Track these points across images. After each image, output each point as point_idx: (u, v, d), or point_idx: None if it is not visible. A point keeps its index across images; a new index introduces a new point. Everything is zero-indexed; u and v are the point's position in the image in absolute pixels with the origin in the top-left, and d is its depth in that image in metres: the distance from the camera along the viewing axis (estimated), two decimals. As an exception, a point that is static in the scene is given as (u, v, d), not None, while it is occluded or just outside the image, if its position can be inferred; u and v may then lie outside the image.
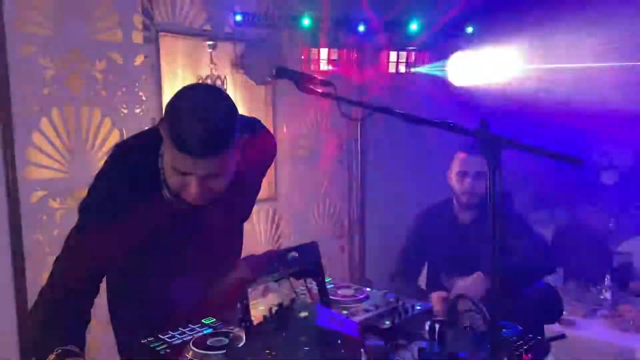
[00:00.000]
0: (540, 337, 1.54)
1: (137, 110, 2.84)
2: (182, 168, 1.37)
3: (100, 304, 1.58)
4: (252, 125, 1.62)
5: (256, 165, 1.64)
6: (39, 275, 2.47)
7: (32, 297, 2.45)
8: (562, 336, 1.65)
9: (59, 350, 1.34)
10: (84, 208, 1.50)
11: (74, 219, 1.53)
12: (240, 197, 1.60)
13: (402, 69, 3.74)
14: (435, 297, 2.24)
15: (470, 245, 2.32)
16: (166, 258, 1.54)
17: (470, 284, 2.19)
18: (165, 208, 1.49)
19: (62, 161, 2.63)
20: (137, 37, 2.87)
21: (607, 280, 3.17)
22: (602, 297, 3.16)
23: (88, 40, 2.67)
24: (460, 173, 2.46)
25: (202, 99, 1.39)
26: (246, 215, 1.80)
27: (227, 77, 3.25)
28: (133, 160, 1.51)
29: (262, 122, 1.77)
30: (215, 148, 1.34)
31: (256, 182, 1.73)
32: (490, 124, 1.25)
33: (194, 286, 1.53)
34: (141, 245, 1.51)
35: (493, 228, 1.25)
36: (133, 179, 1.47)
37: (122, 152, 1.57)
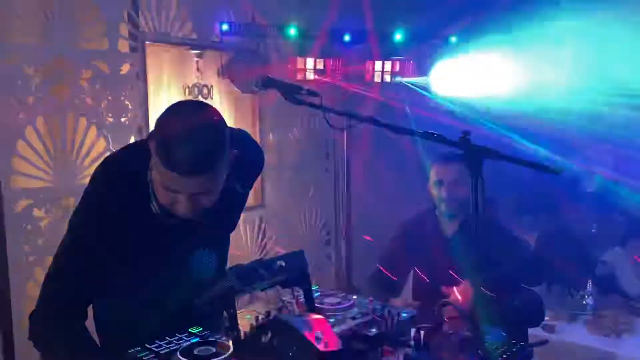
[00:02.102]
0: (523, 343, 1.57)
1: (123, 119, 2.84)
2: (171, 186, 1.37)
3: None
4: (240, 138, 1.63)
5: (244, 178, 1.65)
6: (23, 285, 2.46)
7: (16, 306, 2.44)
8: (545, 342, 1.68)
9: None
10: (73, 225, 1.50)
11: (59, 228, 1.52)
12: (228, 209, 1.61)
13: (387, 78, 3.78)
14: (460, 290, 2.21)
15: (455, 254, 2.34)
16: (153, 268, 1.54)
17: (460, 295, 2.18)
18: (154, 221, 1.49)
19: (47, 170, 2.61)
20: (124, 46, 2.87)
21: (589, 285, 3.22)
22: (584, 302, 3.21)
23: (74, 49, 2.67)
24: (436, 182, 2.52)
25: (191, 118, 1.38)
26: (233, 226, 1.81)
27: (213, 86, 3.26)
28: (121, 174, 1.50)
29: (249, 132, 1.79)
30: (204, 168, 1.34)
31: (243, 194, 1.74)
32: (471, 134, 1.28)
33: (180, 296, 1.54)
34: (129, 258, 1.51)
35: (476, 238, 1.27)
36: (121, 192, 1.46)
37: (109, 167, 1.56)
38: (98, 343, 1.59)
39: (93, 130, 2.74)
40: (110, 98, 2.79)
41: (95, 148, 2.74)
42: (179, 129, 1.34)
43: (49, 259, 1.53)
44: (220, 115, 1.44)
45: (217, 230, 1.64)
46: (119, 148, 1.76)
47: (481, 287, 1.75)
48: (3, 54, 2.42)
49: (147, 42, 2.92)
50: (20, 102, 2.50)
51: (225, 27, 3.20)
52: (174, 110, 1.41)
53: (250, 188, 1.78)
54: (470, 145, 1.26)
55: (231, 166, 1.45)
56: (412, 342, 1.50)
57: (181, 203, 1.39)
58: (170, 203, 1.41)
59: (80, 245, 1.47)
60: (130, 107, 2.86)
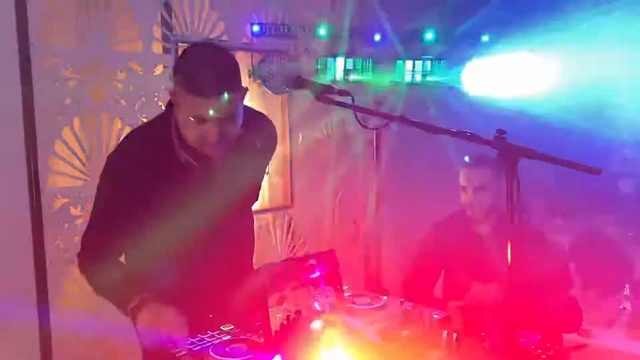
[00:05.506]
0: (558, 347, 1.53)
1: (156, 120, 2.88)
2: (199, 112, 1.50)
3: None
4: (254, 111, 1.81)
5: (260, 143, 1.77)
6: (60, 282, 2.52)
7: (53, 303, 2.50)
8: (581, 346, 1.65)
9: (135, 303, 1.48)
10: (103, 182, 1.66)
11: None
12: (246, 167, 1.73)
13: (418, 78, 3.74)
14: (452, 307, 2.22)
15: (487, 255, 2.30)
16: (180, 220, 1.61)
17: (487, 290, 2.16)
18: (179, 176, 1.60)
19: (82, 169, 2.68)
20: (157, 48, 2.92)
21: (627, 290, 3.14)
22: (621, 306, 3.13)
23: (109, 51, 2.73)
24: (461, 187, 2.50)
25: (208, 49, 1.62)
26: (254, 194, 1.89)
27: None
28: (146, 134, 1.72)
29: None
30: (226, 87, 1.49)
31: (261, 160, 1.87)
32: (506, 133, 1.25)
33: (208, 288, 1.56)
34: (156, 209, 1.60)
35: (510, 240, 1.25)
36: (147, 149, 1.62)
37: (135, 131, 1.81)
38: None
39: (127, 131, 2.79)
40: (144, 99, 2.84)
41: (129, 148, 2.79)
42: (199, 57, 1.54)
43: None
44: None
45: (238, 189, 1.72)
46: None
47: (514, 290, 1.70)
48: (41, 56, 2.49)
49: (179, 43, 2.96)
50: (58, 104, 2.57)
51: (256, 28, 3.23)
52: (191, 48, 1.63)
53: (266, 159, 1.92)
54: (506, 144, 1.24)
55: (246, 129, 1.60)
56: (444, 344, 1.48)
57: (210, 131, 1.51)
58: (200, 137, 1.54)
59: (110, 201, 1.63)
60: (163, 107, 2.89)
